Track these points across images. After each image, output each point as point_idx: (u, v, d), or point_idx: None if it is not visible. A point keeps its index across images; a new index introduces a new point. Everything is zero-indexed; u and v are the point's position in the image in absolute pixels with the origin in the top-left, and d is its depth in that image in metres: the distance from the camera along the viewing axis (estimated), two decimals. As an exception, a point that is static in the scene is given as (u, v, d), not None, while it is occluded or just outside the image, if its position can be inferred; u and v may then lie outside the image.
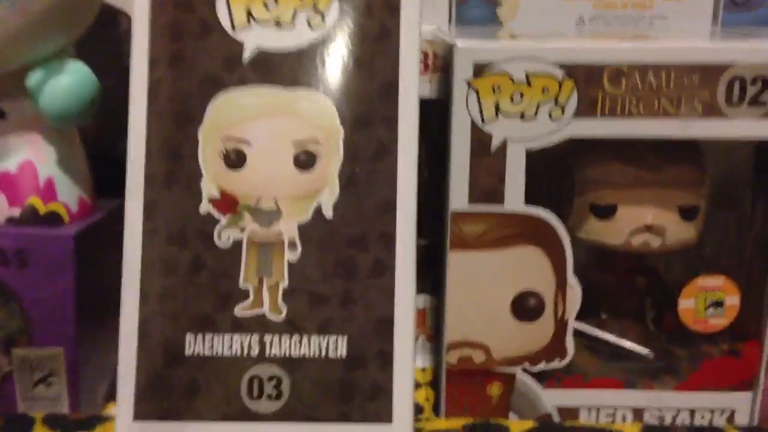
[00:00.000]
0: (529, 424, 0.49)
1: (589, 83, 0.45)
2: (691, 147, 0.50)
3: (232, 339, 0.45)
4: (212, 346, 0.45)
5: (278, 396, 0.45)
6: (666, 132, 0.46)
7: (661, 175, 0.50)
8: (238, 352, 0.45)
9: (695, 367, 0.51)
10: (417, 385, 0.54)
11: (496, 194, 0.47)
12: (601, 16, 0.60)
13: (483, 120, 0.46)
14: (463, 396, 0.50)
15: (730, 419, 0.50)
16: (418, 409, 0.51)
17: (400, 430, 0.44)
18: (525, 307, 0.49)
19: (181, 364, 0.45)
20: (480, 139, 0.46)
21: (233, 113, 0.45)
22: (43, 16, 0.45)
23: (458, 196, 0.47)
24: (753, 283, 0.49)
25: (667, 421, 0.50)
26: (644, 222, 0.50)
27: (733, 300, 0.49)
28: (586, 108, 0.46)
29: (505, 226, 0.47)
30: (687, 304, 0.49)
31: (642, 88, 0.45)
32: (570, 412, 0.50)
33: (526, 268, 0.48)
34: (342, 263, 0.45)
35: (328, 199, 0.45)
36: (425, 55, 0.54)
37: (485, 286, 0.48)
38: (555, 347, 0.49)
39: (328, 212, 0.45)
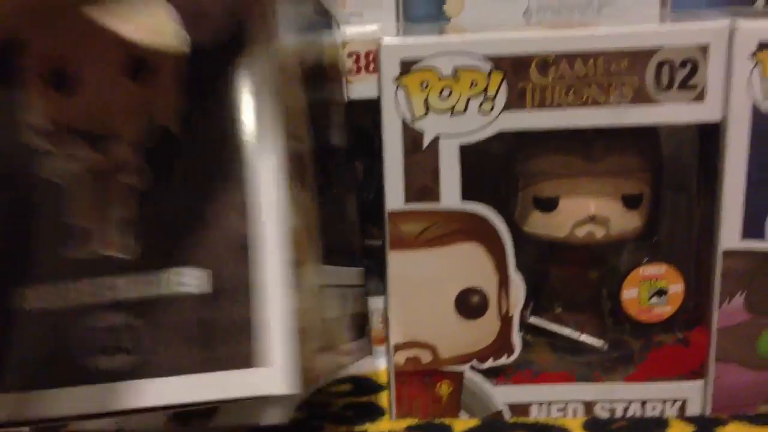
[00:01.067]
0: (474, 422, 0.48)
1: (517, 75, 0.45)
2: (635, 134, 0.49)
3: (70, 286, 0.39)
4: (47, 297, 0.39)
5: (127, 350, 0.39)
6: (597, 121, 0.46)
7: (602, 165, 0.49)
8: (79, 301, 0.39)
9: (645, 357, 0.50)
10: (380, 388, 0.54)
11: (431, 192, 0.46)
12: (549, 5, 0.59)
13: (413, 117, 0.45)
14: (413, 397, 0.50)
15: (682, 409, 0.49)
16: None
17: (280, 375, 0.38)
18: (469, 305, 0.48)
19: (11, 324, 0.39)
20: (412, 137, 0.46)
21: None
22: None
23: (394, 196, 0.46)
24: (700, 268, 0.49)
25: (618, 413, 0.50)
26: (587, 213, 0.49)
27: (676, 288, 0.48)
28: (516, 100, 0.45)
29: (443, 223, 0.47)
30: (630, 294, 0.49)
31: (570, 77, 0.45)
32: (521, 409, 0.50)
33: (467, 265, 0.48)
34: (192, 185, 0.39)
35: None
36: (357, 56, 0.54)
37: (427, 286, 0.48)
38: (502, 343, 0.49)
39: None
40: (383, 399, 0.53)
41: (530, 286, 0.50)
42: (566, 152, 0.49)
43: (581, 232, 0.50)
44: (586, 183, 0.49)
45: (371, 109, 0.49)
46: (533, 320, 0.53)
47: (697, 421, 0.48)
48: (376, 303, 0.57)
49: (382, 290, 0.51)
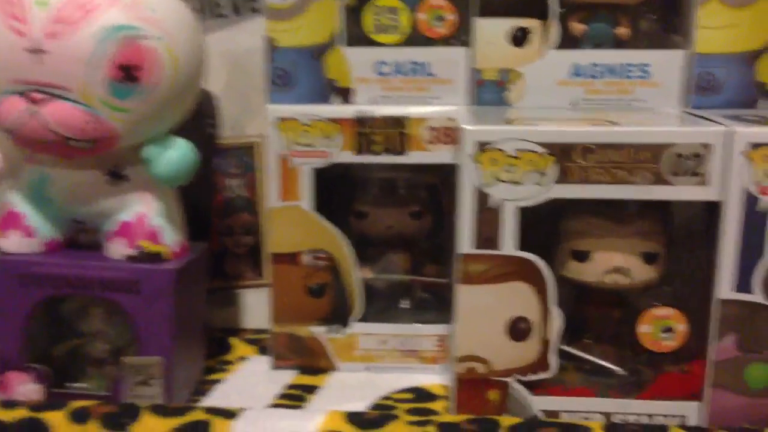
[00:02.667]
0: (516, 420, 0.62)
1: (565, 158, 0.60)
2: (653, 205, 0.64)
3: None
4: None
5: None
6: (625, 195, 0.60)
7: (627, 228, 0.63)
8: None
9: (654, 381, 0.63)
10: (437, 397, 0.67)
11: (494, 241, 0.61)
12: (591, 98, 0.73)
13: (484, 184, 0.60)
14: (470, 400, 0.64)
15: (682, 424, 0.63)
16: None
17: None
18: (517, 330, 0.63)
19: None
20: (482, 199, 0.60)
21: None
22: (163, 104, 0.61)
23: (466, 242, 0.61)
24: (701, 313, 0.62)
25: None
26: (613, 264, 0.63)
27: (681, 327, 0.62)
28: (563, 176, 0.60)
29: (501, 265, 0.61)
30: (645, 329, 0.62)
31: (606, 162, 0.59)
32: (553, 415, 0.63)
33: (517, 299, 0.62)
34: None
35: None
36: (448, 130, 0.69)
37: (486, 313, 0.62)
38: (541, 362, 0.63)
39: None
40: (439, 405, 0.66)
41: (567, 321, 0.63)
42: (599, 216, 0.63)
43: (609, 279, 0.64)
44: (614, 241, 0.63)
45: (443, 171, 0.64)
46: (567, 348, 0.67)
47: (693, 429, 0.61)
48: (436, 329, 0.72)
49: (440, 320, 0.66)
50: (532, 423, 0.59)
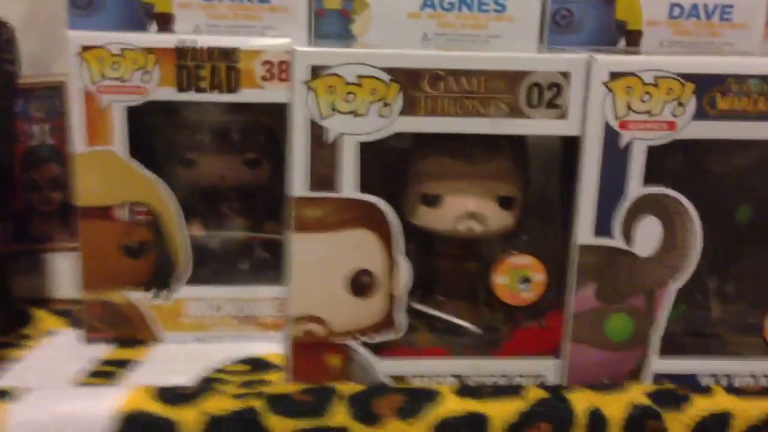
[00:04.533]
0: (360, 387, 0.54)
1: (411, 86, 0.52)
2: (510, 144, 0.57)
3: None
4: None
5: None
6: (477, 129, 0.53)
7: (481, 169, 0.57)
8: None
9: (511, 337, 0.58)
10: (277, 368, 0.59)
11: (332, 182, 0.53)
12: (443, 33, 0.67)
13: (321, 116, 0.52)
14: (307, 367, 0.56)
15: (540, 383, 0.57)
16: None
17: None
18: (359, 285, 0.55)
19: None
20: (318, 133, 0.52)
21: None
22: None
23: (299, 184, 0.53)
24: (560, 261, 0.57)
25: (486, 385, 0.57)
26: (467, 209, 0.57)
27: (539, 277, 0.56)
28: (410, 107, 0.52)
29: (341, 210, 0.53)
30: (501, 280, 0.56)
31: (457, 91, 0.52)
32: (402, 380, 0.56)
33: (359, 249, 0.54)
34: None
35: None
36: (271, 64, 0.60)
37: (324, 266, 0.54)
38: (387, 321, 0.56)
39: None
40: (276, 376, 0.58)
41: (416, 275, 0.56)
42: (450, 155, 0.56)
43: (462, 227, 0.57)
44: (467, 183, 0.57)
45: (282, 113, 0.55)
46: (418, 305, 0.60)
47: (552, 388, 0.56)
48: (276, 292, 0.63)
49: (278, 281, 0.57)
50: (375, 390, 0.53)
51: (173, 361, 0.61)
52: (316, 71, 0.51)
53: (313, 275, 0.54)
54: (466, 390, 0.54)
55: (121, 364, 0.60)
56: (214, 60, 0.59)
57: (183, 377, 0.57)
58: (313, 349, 0.55)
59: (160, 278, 0.64)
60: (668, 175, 0.55)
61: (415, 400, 0.52)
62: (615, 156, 0.53)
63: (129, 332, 0.64)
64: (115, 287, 0.63)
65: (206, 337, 0.65)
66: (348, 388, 0.53)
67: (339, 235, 0.54)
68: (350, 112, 0.52)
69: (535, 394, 0.54)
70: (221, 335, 0.65)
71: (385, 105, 0.52)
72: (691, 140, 0.53)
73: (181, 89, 0.59)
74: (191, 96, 0.60)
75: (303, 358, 0.55)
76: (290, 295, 0.54)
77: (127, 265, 0.63)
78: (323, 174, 0.52)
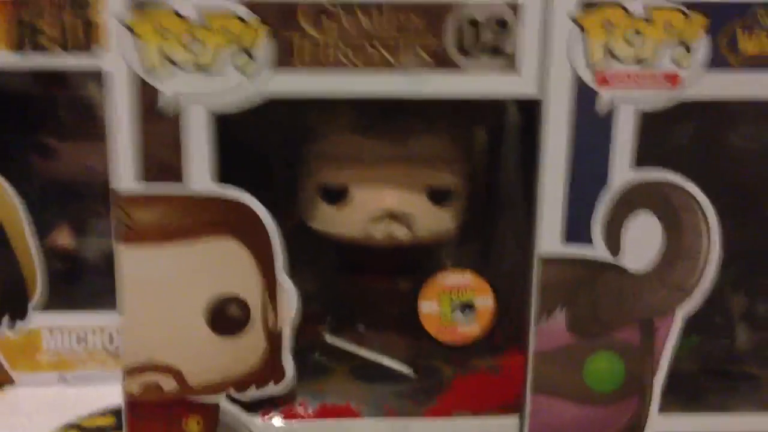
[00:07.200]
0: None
1: (286, 26, 0.35)
2: (443, 112, 0.41)
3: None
4: None
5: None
6: (387, 88, 0.36)
7: (403, 149, 0.41)
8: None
9: (449, 387, 0.41)
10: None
11: (172, 170, 0.36)
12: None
13: (147, 71, 0.35)
14: (155, 434, 0.39)
15: (489, 452, 0.40)
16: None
17: None
18: (224, 317, 0.39)
19: None
20: (147, 97, 0.35)
21: None
22: None
23: (124, 173, 0.36)
24: (515, 279, 0.40)
25: (412, 456, 0.40)
26: (385, 206, 0.40)
27: (485, 301, 0.39)
28: (285, 57, 0.36)
29: (190, 212, 0.37)
30: (429, 308, 0.39)
31: (352, 33, 0.36)
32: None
33: (221, 266, 0.38)
34: None
35: None
36: None
37: (170, 291, 0.38)
38: (268, 367, 0.39)
39: None
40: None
41: (331, 297, 0.41)
42: (357, 131, 0.40)
43: (379, 232, 0.40)
44: (383, 170, 0.40)
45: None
46: (329, 339, 0.44)
47: None
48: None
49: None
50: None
51: (24, 412, 0.50)
52: (141, 4, 0.34)
53: (154, 306, 0.37)
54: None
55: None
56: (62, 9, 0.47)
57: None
58: (160, 411, 0.38)
59: (8, 302, 0.52)
60: (671, 154, 0.39)
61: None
62: (591, 127, 0.37)
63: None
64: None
65: (74, 377, 0.53)
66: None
67: (191, 248, 0.37)
68: (194, 66, 0.35)
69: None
70: (91, 375, 0.53)
71: (247, 55, 0.35)
72: (702, 102, 0.36)
73: (20, 48, 0.47)
74: (33, 59, 0.47)
75: (145, 422, 0.38)
76: (123, 337, 0.37)
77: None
78: (160, 159, 0.36)
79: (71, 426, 0.47)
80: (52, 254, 0.53)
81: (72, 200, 0.55)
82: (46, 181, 0.54)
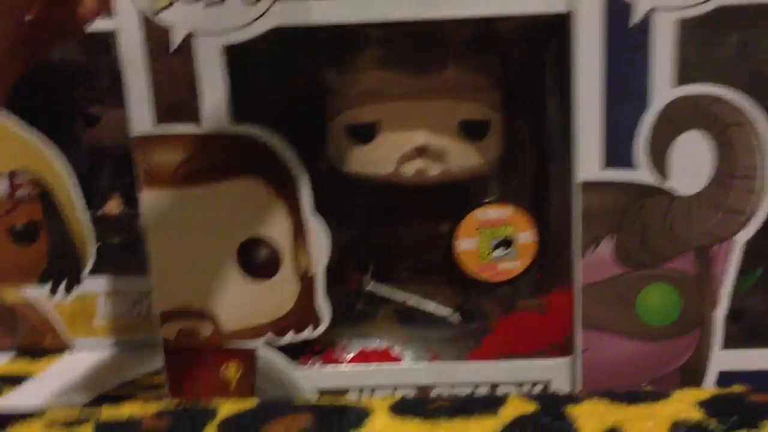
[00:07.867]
0: (250, 403, 0.37)
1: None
2: (474, 39, 0.38)
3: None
4: None
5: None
6: (411, 12, 0.34)
7: (432, 81, 0.38)
8: None
9: (492, 329, 0.39)
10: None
11: (189, 109, 0.35)
12: None
13: (155, 9, 0.34)
14: (192, 381, 0.39)
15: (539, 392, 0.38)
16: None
17: None
18: (255, 260, 0.37)
19: None
20: (158, 36, 0.35)
21: None
22: None
23: (140, 115, 0.35)
24: (555, 210, 0.38)
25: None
26: (414, 143, 0.38)
27: (527, 236, 0.37)
28: (297, -13, 0.34)
29: (208, 152, 0.36)
30: (468, 245, 0.37)
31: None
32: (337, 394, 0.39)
33: (247, 208, 0.37)
34: None
35: None
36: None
37: (198, 235, 0.37)
38: (304, 311, 0.38)
39: None
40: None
41: (370, 243, 0.41)
42: (386, 64, 0.38)
43: (409, 169, 0.39)
44: (412, 105, 0.38)
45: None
46: (372, 287, 0.42)
47: (543, 398, 0.36)
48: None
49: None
50: (269, 409, 0.34)
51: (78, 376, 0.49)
52: (148, -57, 0.34)
53: (183, 250, 0.37)
54: (406, 405, 0.35)
55: (13, 381, 0.48)
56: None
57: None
58: (197, 358, 0.38)
59: (59, 268, 0.52)
60: (718, 67, 0.36)
61: (327, 422, 0.34)
62: (627, 40, 0.34)
63: (29, 339, 0.52)
64: (3, 282, 0.51)
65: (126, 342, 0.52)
66: (230, 405, 0.36)
67: (214, 189, 0.36)
68: (203, 1, 0.34)
69: (517, 408, 0.35)
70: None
71: (258, -15, 0.34)
72: (745, 6, 0.34)
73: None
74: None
75: (184, 370, 0.38)
76: (154, 281, 0.37)
77: (16, 254, 0.52)
78: (174, 98, 0.35)
79: (126, 384, 0.47)
80: (104, 223, 0.53)
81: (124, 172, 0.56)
82: (96, 150, 0.53)
